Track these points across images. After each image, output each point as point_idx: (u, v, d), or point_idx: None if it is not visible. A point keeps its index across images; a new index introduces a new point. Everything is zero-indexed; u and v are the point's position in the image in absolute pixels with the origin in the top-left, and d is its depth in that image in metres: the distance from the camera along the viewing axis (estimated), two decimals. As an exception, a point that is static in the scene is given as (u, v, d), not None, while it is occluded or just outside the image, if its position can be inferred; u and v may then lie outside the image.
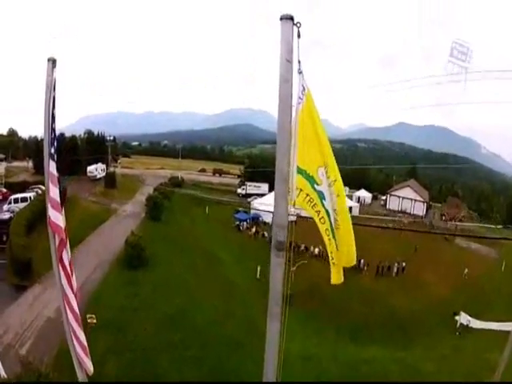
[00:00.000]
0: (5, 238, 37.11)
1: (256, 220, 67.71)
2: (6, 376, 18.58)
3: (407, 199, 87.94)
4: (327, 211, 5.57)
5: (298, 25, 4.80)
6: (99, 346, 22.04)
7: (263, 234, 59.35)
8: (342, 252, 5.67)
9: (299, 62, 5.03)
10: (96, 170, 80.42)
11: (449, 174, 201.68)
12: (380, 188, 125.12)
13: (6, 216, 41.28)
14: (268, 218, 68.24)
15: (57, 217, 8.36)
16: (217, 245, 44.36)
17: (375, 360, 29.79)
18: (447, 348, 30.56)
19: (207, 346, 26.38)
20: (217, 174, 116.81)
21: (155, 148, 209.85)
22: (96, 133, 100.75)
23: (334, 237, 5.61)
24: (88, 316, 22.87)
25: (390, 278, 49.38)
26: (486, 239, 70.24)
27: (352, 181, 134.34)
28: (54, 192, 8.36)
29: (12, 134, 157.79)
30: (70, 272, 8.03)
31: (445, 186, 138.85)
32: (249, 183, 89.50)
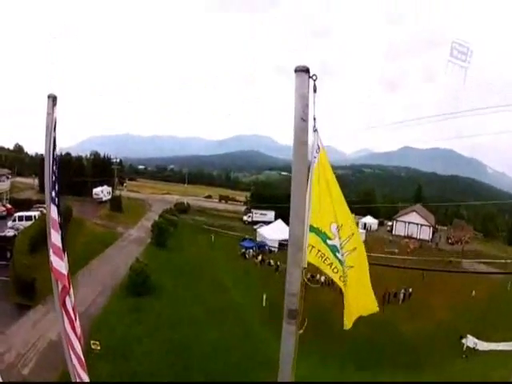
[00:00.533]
0: (8, 255, 37.22)
1: (262, 248, 67.55)
2: None
3: (413, 224, 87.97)
4: (340, 261, 5.36)
5: (314, 77, 4.30)
6: (102, 373, 22.32)
7: (269, 263, 58.99)
8: (359, 301, 5.50)
9: (314, 119, 4.70)
10: (102, 192, 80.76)
11: (454, 196, 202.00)
12: (386, 213, 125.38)
13: (11, 233, 41.63)
14: (274, 247, 68.67)
15: (59, 264, 8.10)
16: (222, 272, 44.52)
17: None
18: (455, 371, 30.42)
19: (211, 375, 26.12)
20: (223, 201, 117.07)
21: (161, 172, 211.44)
22: (102, 154, 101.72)
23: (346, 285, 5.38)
24: (92, 342, 23.18)
25: (397, 305, 48.95)
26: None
27: (357, 207, 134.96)
28: (56, 238, 7.96)
29: (18, 149, 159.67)
30: (73, 317, 8.08)
31: (450, 209, 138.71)
32: (255, 211, 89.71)
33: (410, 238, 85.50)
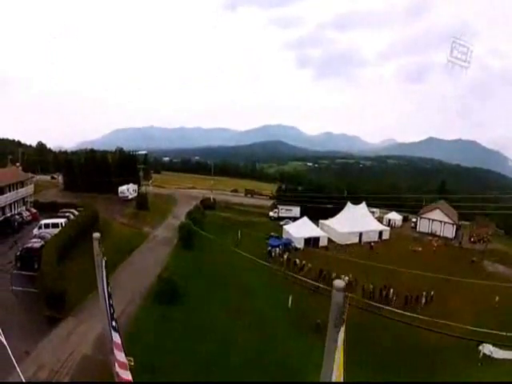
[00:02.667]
0: (36, 266, 36.80)
1: (288, 246, 68.93)
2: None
3: (437, 221, 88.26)
4: None
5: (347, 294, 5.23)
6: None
7: (295, 262, 60.34)
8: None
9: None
10: (127, 190, 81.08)
11: (477, 189, 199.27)
12: (410, 207, 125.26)
13: (38, 244, 40.36)
14: (299, 244, 70.33)
15: (125, 373, 9.81)
16: (249, 273, 45.90)
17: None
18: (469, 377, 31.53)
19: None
20: (249, 195, 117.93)
21: (187, 163, 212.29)
22: (127, 147, 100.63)
23: None
24: (127, 358, 24.16)
25: (419, 309, 48.60)
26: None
27: (384, 198, 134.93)
28: (121, 356, 9.59)
29: (41, 147, 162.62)
30: None
31: (473, 203, 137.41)
32: (281, 206, 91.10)
33: (433, 235, 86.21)
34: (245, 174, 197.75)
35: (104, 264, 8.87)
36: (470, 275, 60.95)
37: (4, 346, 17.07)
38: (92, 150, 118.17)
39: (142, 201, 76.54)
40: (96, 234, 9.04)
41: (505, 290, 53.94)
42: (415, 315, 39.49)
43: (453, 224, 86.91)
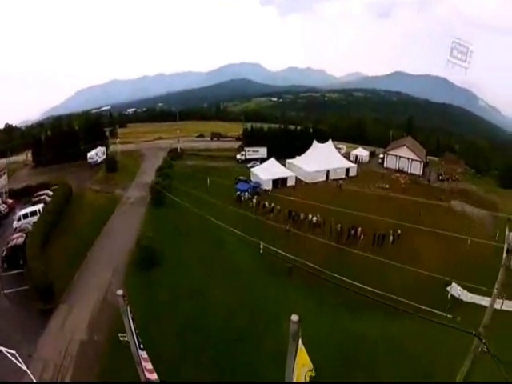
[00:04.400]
0: (21, 262, 36.97)
1: (257, 189, 68.80)
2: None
3: (404, 158, 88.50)
4: None
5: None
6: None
7: (264, 205, 60.64)
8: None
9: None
10: (96, 154, 79.51)
11: (446, 125, 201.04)
12: (378, 140, 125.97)
13: (21, 240, 39.90)
14: (268, 186, 69.90)
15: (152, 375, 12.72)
16: (220, 220, 45.62)
17: (366, 338, 31.87)
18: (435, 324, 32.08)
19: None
20: (215, 139, 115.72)
21: (151, 113, 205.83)
22: (93, 105, 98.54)
23: None
24: (120, 335, 24.73)
25: (386, 248, 50.02)
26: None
27: (350, 132, 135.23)
28: (148, 364, 12.53)
29: (9, 129, 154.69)
30: None
31: (442, 140, 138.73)
32: (247, 148, 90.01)
33: (400, 172, 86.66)
34: (209, 116, 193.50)
35: (129, 311, 11.13)
36: (437, 215, 62.01)
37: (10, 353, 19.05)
38: (57, 118, 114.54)
39: (110, 163, 75.78)
40: (120, 292, 10.67)
41: (472, 231, 55.21)
42: (382, 259, 40.32)
43: (420, 161, 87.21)
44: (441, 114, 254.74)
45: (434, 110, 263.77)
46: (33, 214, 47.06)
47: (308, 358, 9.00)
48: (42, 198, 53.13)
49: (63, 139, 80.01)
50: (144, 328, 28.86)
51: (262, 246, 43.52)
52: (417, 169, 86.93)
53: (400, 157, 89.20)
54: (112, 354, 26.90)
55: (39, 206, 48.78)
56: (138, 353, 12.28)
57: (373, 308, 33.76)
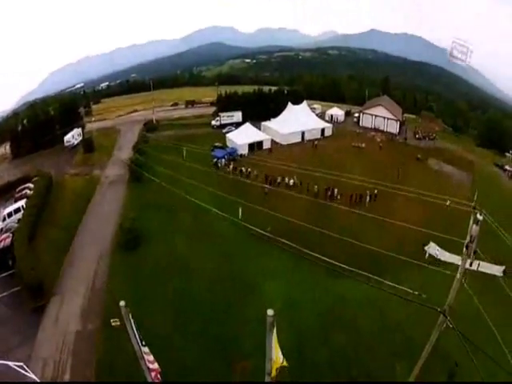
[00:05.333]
0: (11, 263, 36.87)
1: (233, 154, 68.60)
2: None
3: (380, 117, 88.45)
4: None
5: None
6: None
7: (241, 170, 60.91)
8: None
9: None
10: (73, 137, 77.92)
11: (424, 84, 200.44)
12: (354, 98, 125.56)
13: (8, 241, 39.98)
14: (244, 151, 69.57)
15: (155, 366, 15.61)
16: (198, 191, 45.44)
17: (347, 300, 32.69)
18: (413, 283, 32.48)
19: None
20: (189, 106, 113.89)
21: (125, 85, 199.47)
22: (68, 85, 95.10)
23: None
24: (112, 320, 25.22)
25: (364, 208, 50.22)
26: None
27: (325, 92, 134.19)
28: (154, 365, 15.61)
29: None
30: None
31: (419, 100, 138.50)
32: (222, 114, 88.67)
33: (376, 130, 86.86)
34: (183, 82, 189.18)
35: (131, 319, 14.27)
36: (414, 173, 62.39)
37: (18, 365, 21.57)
38: (32, 105, 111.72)
39: (87, 144, 74.68)
40: (122, 303, 13.90)
41: (449, 190, 55.33)
42: (361, 212, 40.43)
43: (396, 120, 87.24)
44: (418, 72, 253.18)
45: (410, 69, 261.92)
46: (17, 211, 46.75)
47: (279, 349, 10.87)
48: (23, 192, 52.39)
49: (40, 127, 78.25)
50: (134, 307, 30.42)
51: (240, 212, 43.81)
52: (393, 127, 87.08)
53: (376, 116, 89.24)
54: (107, 340, 28.01)
55: (22, 202, 48.25)
56: (140, 349, 14.74)
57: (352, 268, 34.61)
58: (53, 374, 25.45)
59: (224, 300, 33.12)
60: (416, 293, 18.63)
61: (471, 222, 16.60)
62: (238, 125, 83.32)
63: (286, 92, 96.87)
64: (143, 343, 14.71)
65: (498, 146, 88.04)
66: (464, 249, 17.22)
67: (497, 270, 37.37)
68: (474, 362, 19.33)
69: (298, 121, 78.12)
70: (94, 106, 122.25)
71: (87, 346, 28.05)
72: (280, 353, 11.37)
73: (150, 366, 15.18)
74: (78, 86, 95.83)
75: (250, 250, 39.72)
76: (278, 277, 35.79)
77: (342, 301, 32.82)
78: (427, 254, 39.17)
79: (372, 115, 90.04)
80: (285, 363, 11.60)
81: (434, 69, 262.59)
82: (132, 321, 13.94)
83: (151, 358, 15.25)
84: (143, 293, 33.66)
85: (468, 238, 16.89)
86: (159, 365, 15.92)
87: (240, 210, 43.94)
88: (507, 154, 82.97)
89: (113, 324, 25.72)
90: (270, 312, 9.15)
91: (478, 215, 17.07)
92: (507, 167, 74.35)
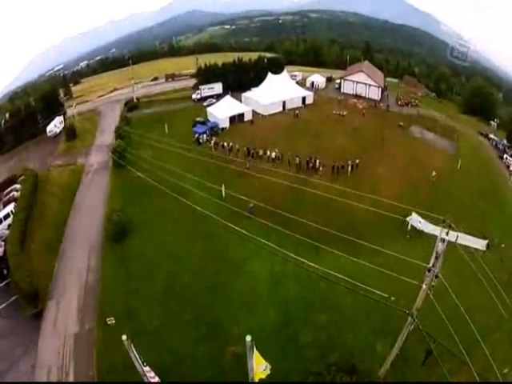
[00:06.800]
0: (5, 272, 36.89)
1: (214, 129, 68.04)
2: None
3: (361, 83, 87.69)
4: None
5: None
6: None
7: (222, 145, 60.40)
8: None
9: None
10: (55, 126, 76.27)
11: (406, 47, 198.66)
12: (335, 63, 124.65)
13: (1, 251, 39.71)
14: (225, 124, 69.20)
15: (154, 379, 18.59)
16: (181, 170, 45.25)
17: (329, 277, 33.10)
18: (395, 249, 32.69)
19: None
20: (169, 79, 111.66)
21: (104, 62, 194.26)
22: (46, 70, 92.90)
23: None
24: (108, 319, 26.90)
25: (346, 177, 50.82)
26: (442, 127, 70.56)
27: (306, 57, 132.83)
28: (155, 378, 19.04)
29: None
30: None
31: (401, 61, 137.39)
32: (202, 86, 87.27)
33: (358, 97, 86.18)
34: (162, 54, 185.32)
35: (133, 347, 16.82)
36: (396, 141, 62.54)
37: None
38: (12, 97, 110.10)
39: (69, 131, 73.18)
40: (124, 337, 16.09)
41: (431, 158, 56.44)
42: (341, 187, 40.48)
43: (378, 86, 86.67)
44: (401, 35, 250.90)
45: (393, 31, 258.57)
46: (6, 217, 46.32)
47: (261, 358, 12.74)
48: (11, 195, 51.61)
49: (22, 120, 77.03)
50: (126, 300, 33.59)
51: (223, 190, 43.96)
52: (375, 94, 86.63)
53: (357, 82, 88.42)
54: (104, 339, 28.98)
55: (11, 207, 47.76)
56: (142, 369, 17.62)
57: (334, 243, 35.24)
58: (58, 379, 26.60)
59: (212, 284, 34.07)
60: (385, 295, 19.72)
61: (438, 240, 17.62)
62: (218, 96, 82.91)
63: (265, 60, 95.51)
64: (145, 364, 17.61)
65: (482, 113, 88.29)
66: (427, 272, 18.24)
67: (480, 243, 37.84)
68: (439, 361, 20.85)
69: (278, 90, 77.43)
70: (73, 88, 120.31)
71: (87, 347, 28.96)
72: (262, 365, 12.51)
73: (152, 380, 18.29)
74: (58, 67, 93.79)
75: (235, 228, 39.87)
76: (262, 255, 35.94)
77: (324, 278, 33.10)
78: (409, 226, 39.19)
79: (353, 82, 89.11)
80: (268, 372, 12.95)
81: (418, 32, 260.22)
82: (134, 350, 16.86)
83: (152, 374, 18.20)
84: (135, 285, 34.75)
85: (434, 255, 17.84)
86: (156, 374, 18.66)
87: (223, 188, 44.26)
88: (491, 123, 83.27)
89: (108, 323, 27.04)
90: (248, 338, 10.51)
91: (444, 234, 17.53)
92: (492, 136, 74.82)
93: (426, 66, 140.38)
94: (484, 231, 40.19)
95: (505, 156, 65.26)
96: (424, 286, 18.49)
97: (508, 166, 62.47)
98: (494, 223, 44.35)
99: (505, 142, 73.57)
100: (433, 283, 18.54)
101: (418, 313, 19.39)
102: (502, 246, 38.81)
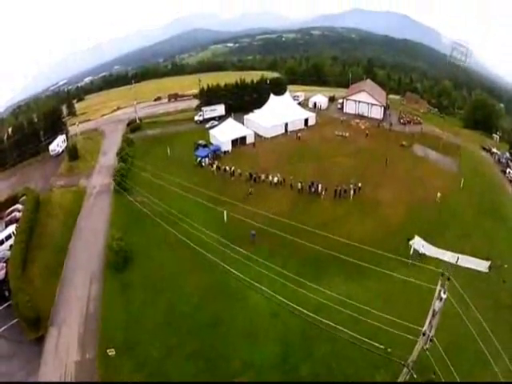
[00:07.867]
0: (7, 294, 36.93)
1: (217, 152, 67.80)
2: None
3: (364, 103, 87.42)
4: None
5: None
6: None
7: (225, 169, 60.14)
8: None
9: None
10: (58, 145, 76.62)
11: (408, 62, 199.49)
12: (337, 81, 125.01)
13: (2, 273, 39.81)
14: (227, 147, 69.19)
15: None
16: (183, 200, 45.01)
17: (330, 302, 32.45)
18: (396, 282, 32.06)
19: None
20: (172, 99, 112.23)
21: (108, 79, 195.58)
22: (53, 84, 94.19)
23: None
24: (108, 350, 27.03)
25: (348, 202, 50.70)
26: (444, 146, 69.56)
27: (308, 76, 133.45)
28: None
29: None
30: None
31: (403, 77, 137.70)
32: (205, 108, 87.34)
33: (361, 117, 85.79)
34: (165, 72, 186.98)
35: None
36: (399, 162, 62.20)
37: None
38: (15, 113, 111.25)
39: (71, 151, 72.95)
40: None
41: (434, 178, 55.84)
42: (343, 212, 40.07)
43: (380, 106, 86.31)
44: (402, 50, 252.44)
45: (395, 46, 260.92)
46: (8, 238, 46.24)
47: None
48: (13, 215, 51.55)
49: (24, 137, 77.68)
50: (126, 330, 32.48)
51: (225, 215, 43.73)
52: (377, 113, 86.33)
53: (360, 102, 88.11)
54: (105, 370, 28.95)
55: (12, 228, 47.64)
56: None
57: (336, 266, 35.87)
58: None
59: (212, 316, 33.56)
60: (382, 346, 19.65)
61: (435, 297, 17.38)
62: (220, 118, 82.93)
63: (268, 82, 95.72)
64: None
65: (484, 126, 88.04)
66: (421, 335, 18.07)
67: (483, 265, 37.63)
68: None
69: (280, 112, 77.38)
70: (77, 105, 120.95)
71: (88, 377, 28.69)
72: None
73: None
74: (62, 82, 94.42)
75: (235, 257, 39.24)
76: (263, 284, 35.27)
77: (325, 304, 32.37)
78: (412, 249, 38.39)
79: (356, 101, 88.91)
80: None
81: (419, 46, 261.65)
82: None
83: None
84: (135, 315, 34.39)
85: (430, 312, 17.73)
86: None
87: (225, 214, 43.99)
88: (494, 136, 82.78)
89: (109, 354, 26.56)
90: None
91: (442, 293, 17.26)
92: (494, 150, 74.24)
93: (428, 81, 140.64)
94: (489, 251, 40.12)
95: (507, 170, 64.88)
96: (420, 343, 18.37)
97: (511, 181, 62.23)
98: (498, 242, 44.02)
99: (507, 154, 73.47)
100: (427, 346, 18.25)
101: (413, 364, 19.13)
102: (505, 266, 38.20)
